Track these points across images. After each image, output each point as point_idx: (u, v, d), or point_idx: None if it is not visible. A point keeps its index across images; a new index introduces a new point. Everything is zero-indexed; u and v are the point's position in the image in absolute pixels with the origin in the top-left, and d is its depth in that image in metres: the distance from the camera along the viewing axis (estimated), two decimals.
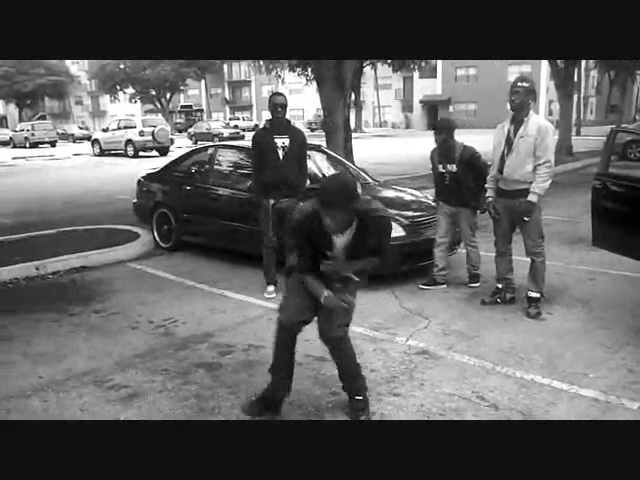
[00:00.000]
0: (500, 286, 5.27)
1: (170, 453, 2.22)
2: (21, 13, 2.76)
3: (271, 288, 5.66)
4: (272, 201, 5.49)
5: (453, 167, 5.58)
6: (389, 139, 37.78)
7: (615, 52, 3.00)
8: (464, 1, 2.86)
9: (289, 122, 5.62)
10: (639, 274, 5.66)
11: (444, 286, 5.73)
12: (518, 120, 4.82)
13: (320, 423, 3.27)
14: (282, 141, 5.42)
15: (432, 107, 54.62)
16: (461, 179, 5.55)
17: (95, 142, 28.40)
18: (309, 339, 4.51)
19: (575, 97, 24.13)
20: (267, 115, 5.84)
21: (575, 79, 21.96)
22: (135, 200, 8.40)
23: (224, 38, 2.93)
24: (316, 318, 3.32)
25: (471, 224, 5.70)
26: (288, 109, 5.61)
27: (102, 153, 27.52)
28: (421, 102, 55.66)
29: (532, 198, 4.76)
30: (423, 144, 15.68)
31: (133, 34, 2.87)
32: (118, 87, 47.14)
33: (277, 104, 5.39)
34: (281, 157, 5.42)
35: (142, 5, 2.83)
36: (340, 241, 3.13)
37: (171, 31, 2.88)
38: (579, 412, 3.38)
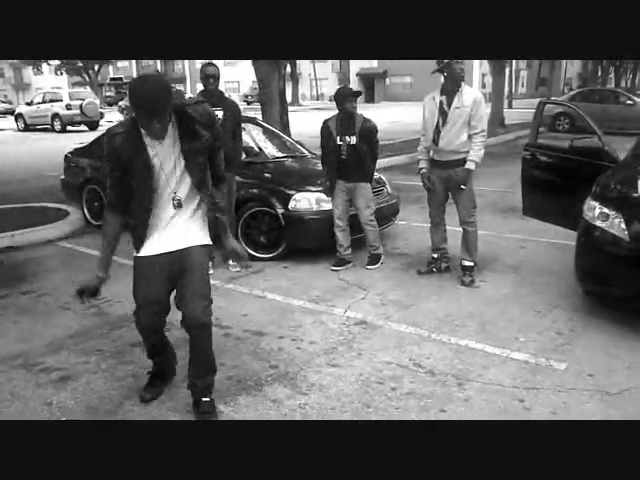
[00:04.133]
0: (435, 256, 5.36)
1: (166, 453, 2.13)
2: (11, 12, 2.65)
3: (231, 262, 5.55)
4: None
5: (352, 139, 5.32)
6: (326, 112, 37.60)
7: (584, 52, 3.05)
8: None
9: (222, 93, 5.48)
10: (568, 241, 5.86)
11: (350, 264, 5.57)
12: (449, 91, 4.87)
13: (305, 423, 3.10)
14: (215, 113, 5.29)
15: (369, 80, 54.79)
16: (360, 152, 5.33)
17: (19, 116, 27.12)
18: (247, 314, 4.51)
19: (507, 71, 24.64)
20: (200, 87, 5.69)
21: None
22: (63, 177, 8.07)
23: (213, 38, 2.86)
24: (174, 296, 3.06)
25: (368, 200, 5.46)
26: (223, 81, 5.47)
27: (27, 128, 26.38)
28: (358, 75, 55.68)
29: (470, 166, 4.87)
30: None
31: (115, 33, 2.78)
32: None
33: (209, 75, 5.25)
34: None
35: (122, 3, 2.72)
36: (162, 149, 2.76)
37: (155, 29, 2.78)
38: (510, 374, 3.50)
